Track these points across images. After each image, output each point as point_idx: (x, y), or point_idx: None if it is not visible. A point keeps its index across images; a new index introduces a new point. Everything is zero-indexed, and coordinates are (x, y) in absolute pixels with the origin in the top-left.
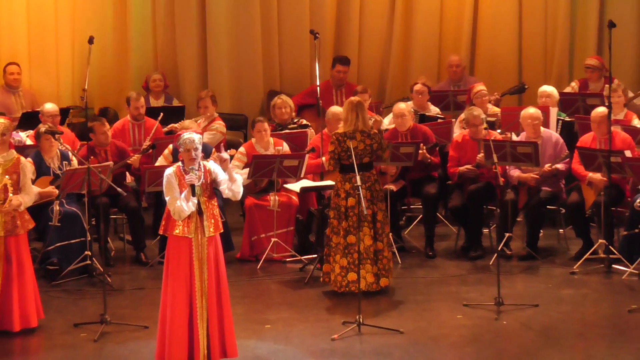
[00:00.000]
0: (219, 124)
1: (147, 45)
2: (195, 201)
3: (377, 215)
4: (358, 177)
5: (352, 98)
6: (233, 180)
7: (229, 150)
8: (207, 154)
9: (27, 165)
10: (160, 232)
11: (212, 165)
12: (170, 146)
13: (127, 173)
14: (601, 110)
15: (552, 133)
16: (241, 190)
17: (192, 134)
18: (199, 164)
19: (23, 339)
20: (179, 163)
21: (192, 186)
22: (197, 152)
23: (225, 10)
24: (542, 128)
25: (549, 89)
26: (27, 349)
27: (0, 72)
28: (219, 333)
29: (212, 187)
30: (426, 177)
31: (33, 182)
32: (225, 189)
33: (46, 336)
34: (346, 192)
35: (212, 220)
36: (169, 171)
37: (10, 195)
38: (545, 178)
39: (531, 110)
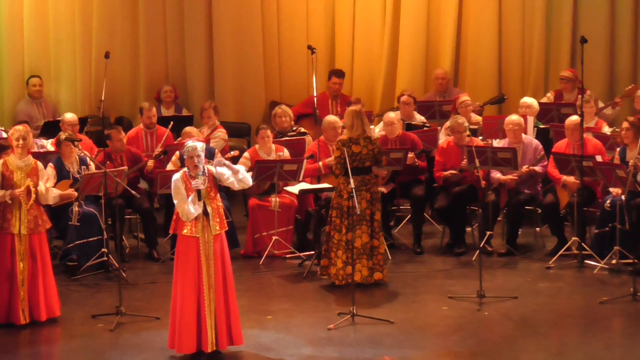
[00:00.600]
0: (221, 132)
1: (159, 60)
2: (202, 204)
3: (375, 214)
4: (352, 180)
5: (354, 107)
6: (236, 172)
7: (232, 152)
8: (210, 157)
9: (45, 169)
10: (171, 231)
11: (216, 169)
12: (178, 152)
13: (141, 177)
14: (574, 118)
15: (532, 139)
16: (248, 176)
17: (195, 142)
18: (204, 169)
19: (46, 329)
20: (185, 169)
21: (198, 191)
22: (199, 159)
23: (230, 28)
24: (523, 135)
25: (529, 100)
26: (50, 338)
27: (24, 85)
28: (225, 323)
29: (217, 189)
30: (414, 180)
31: (54, 185)
32: (234, 182)
33: (66, 326)
34: (348, 193)
35: (218, 220)
36: (176, 176)
37: (33, 195)
38: (523, 180)
39: (513, 117)
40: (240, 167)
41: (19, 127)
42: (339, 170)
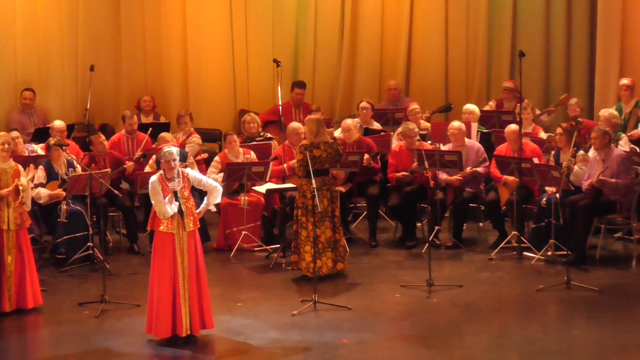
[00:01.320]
0: (196, 137)
1: (139, 72)
2: (177, 204)
3: (335, 211)
4: (314, 180)
5: (314, 115)
6: (214, 194)
7: (202, 155)
8: (183, 159)
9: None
10: (148, 228)
11: (189, 171)
12: (155, 156)
13: (122, 178)
14: (513, 127)
15: (474, 143)
16: (219, 199)
17: (171, 147)
18: (178, 171)
19: (35, 315)
20: (161, 171)
21: (175, 192)
22: (175, 162)
23: (203, 43)
24: (466, 139)
25: (471, 107)
26: (39, 324)
27: (17, 95)
28: (198, 309)
29: (190, 190)
30: (369, 180)
31: (44, 186)
32: (212, 202)
33: (55, 313)
34: (311, 193)
35: (191, 218)
36: (153, 179)
37: (22, 194)
38: (467, 180)
39: (455, 123)
40: (219, 189)
41: (2, 133)
42: (302, 172)
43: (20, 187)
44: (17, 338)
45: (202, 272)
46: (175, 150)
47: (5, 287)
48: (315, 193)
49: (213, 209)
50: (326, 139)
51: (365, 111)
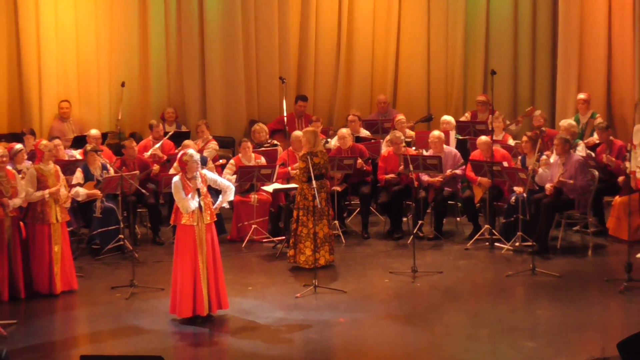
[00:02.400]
0: (213, 144)
1: (163, 88)
2: (198, 200)
3: (330, 210)
4: (314, 182)
5: (312, 127)
6: (228, 193)
7: (220, 160)
8: (204, 164)
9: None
10: (172, 222)
11: (206, 172)
12: (178, 160)
13: (149, 179)
14: (484, 138)
15: (452, 149)
16: (232, 197)
17: (192, 151)
18: (198, 172)
19: (73, 297)
20: (181, 173)
21: (197, 189)
22: (197, 164)
23: (219, 62)
24: (444, 145)
25: (448, 117)
26: (77, 305)
27: (56, 107)
28: (215, 292)
29: (208, 188)
30: (362, 181)
31: (81, 186)
32: (226, 199)
33: (91, 296)
34: (312, 195)
35: (209, 212)
36: (175, 179)
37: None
38: (446, 181)
39: (435, 133)
40: (232, 188)
41: (45, 141)
42: (305, 178)
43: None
44: (60, 316)
45: (218, 260)
46: (196, 154)
47: (54, 273)
48: (316, 193)
49: (227, 205)
50: (321, 148)
51: (353, 122)
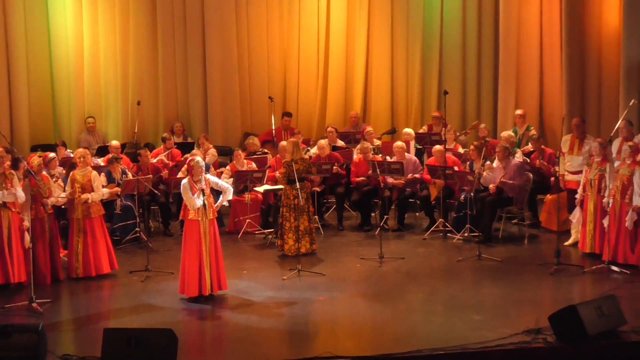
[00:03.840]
0: (212, 151)
1: (172, 106)
2: (203, 199)
3: (310, 208)
4: (298, 184)
5: (293, 139)
6: (227, 193)
7: (220, 169)
8: (206, 169)
9: (99, 176)
10: (180, 217)
11: (209, 176)
12: (185, 166)
13: (160, 182)
14: (438, 147)
15: (412, 156)
16: (231, 196)
17: (198, 158)
18: (203, 176)
19: (98, 281)
20: (188, 176)
21: (202, 190)
22: (202, 169)
23: (218, 84)
24: (406, 154)
25: (408, 130)
26: (101, 286)
27: (83, 122)
28: (216, 275)
29: (210, 190)
30: (337, 183)
31: (105, 187)
32: (226, 198)
33: (113, 279)
34: (294, 195)
35: (211, 209)
36: (184, 182)
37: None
38: (408, 183)
39: (398, 143)
40: (230, 190)
41: (80, 149)
42: (284, 182)
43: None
44: (87, 296)
45: (219, 248)
46: (201, 161)
47: (73, 259)
48: (299, 193)
49: (226, 203)
50: (301, 156)
51: (330, 134)
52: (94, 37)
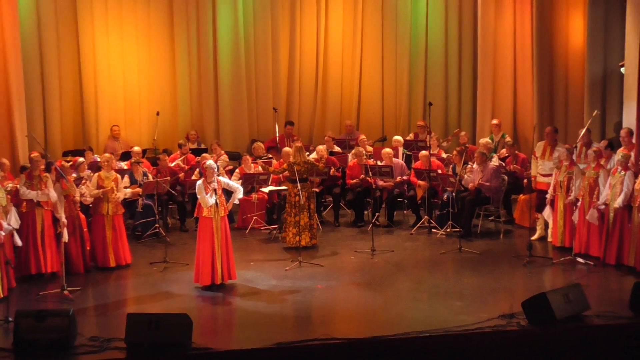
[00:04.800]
0: (224, 157)
1: (187, 115)
2: (215, 198)
3: (311, 205)
4: (299, 184)
5: (297, 144)
6: (237, 193)
7: (229, 166)
8: (217, 170)
9: (122, 179)
10: (195, 215)
11: (221, 178)
12: (199, 169)
13: (177, 183)
14: (424, 152)
15: (399, 161)
16: (240, 194)
17: (211, 161)
18: (215, 178)
19: (120, 271)
20: (202, 178)
21: (214, 190)
22: (214, 171)
23: (228, 96)
24: (394, 159)
25: (398, 137)
26: (124, 276)
27: (109, 129)
28: (227, 266)
29: (222, 190)
30: (334, 184)
31: (128, 187)
32: (236, 198)
33: (134, 269)
34: (295, 194)
35: (223, 207)
36: (199, 183)
37: (116, 193)
38: (396, 185)
39: (387, 150)
40: (240, 189)
41: (106, 154)
42: (286, 180)
43: (114, 190)
44: (112, 284)
45: (229, 242)
46: (214, 164)
47: (109, 252)
48: (300, 192)
49: (237, 202)
50: (304, 159)
51: (327, 141)
52: (118, 55)
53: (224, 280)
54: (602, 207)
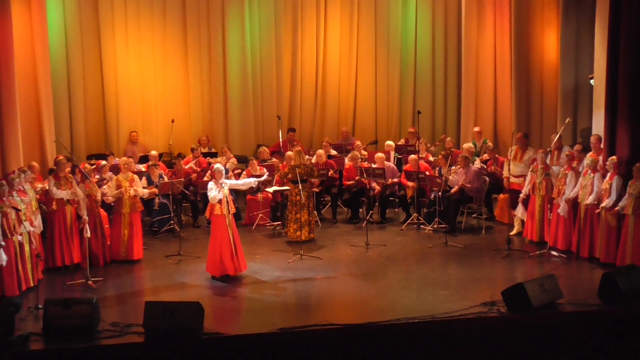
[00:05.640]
0: (233, 160)
1: (199, 122)
2: (223, 194)
3: (310, 204)
4: (300, 185)
5: (297, 148)
6: (251, 181)
7: (238, 169)
8: (226, 173)
9: (140, 180)
10: (206, 214)
11: (228, 181)
12: (209, 171)
13: (190, 184)
14: (413, 156)
15: (391, 164)
16: (248, 182)
17: (219, 165)
18: (223, 179)
19: (138, 264)
20: (213, 179)
21: (222, 186)
22: (222, 173)
23: (237, 105)
24: (385, 162)
25: (390, 142)
26: (142, 268)
27: (128, 135)
28: (236, 259)
29: (230, 191)
30: (332, 184)
31: (145, 188)
32: (242, 185)
33: (151, 261)
34: (297, 193)
35: (231, 206)
36: (210, 184)
37: (130, 193)
38: (388, 185)
39: (379, 154)
40: (246, 181)
41: (124, 158)
42: (287, 179)
43: (129, 190)
44: (132, 275)
45: (237, 238)
46: (222, 167)
47: (122, 247)
48: (301, 192)
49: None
50: (304, 162)
51: (326, 146)
52: (137, 69)
53: (240, 271)
54: (570, 199)
